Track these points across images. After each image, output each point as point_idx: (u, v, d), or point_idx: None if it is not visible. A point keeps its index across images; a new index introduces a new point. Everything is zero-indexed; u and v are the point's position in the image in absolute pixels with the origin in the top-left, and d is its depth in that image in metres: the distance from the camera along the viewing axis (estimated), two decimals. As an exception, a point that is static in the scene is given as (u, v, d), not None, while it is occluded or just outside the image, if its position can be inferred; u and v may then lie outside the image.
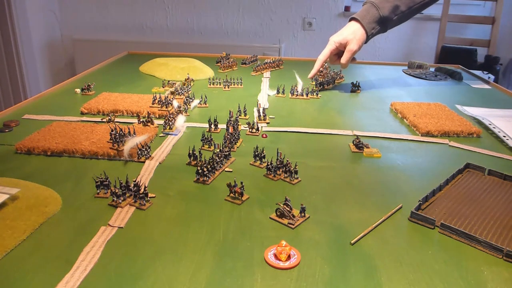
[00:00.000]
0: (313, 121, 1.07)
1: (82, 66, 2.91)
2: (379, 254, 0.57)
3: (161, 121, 1.01)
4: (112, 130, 0.85)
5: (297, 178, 0.76)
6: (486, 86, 1.48)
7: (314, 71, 1.34)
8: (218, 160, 0.78)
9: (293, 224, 0.62)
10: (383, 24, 1.27)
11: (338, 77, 1.46)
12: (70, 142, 0.85)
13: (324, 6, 3.17)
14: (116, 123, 0.98)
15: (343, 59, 1.29)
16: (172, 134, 0.95)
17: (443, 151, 0.92)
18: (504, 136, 0.99)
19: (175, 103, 1.09)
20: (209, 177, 0.75)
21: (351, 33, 1.26)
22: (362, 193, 0.73)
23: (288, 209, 0.63)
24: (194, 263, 0.54)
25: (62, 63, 3.24)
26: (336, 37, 1.29)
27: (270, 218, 0.64)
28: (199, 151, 0.81)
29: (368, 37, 1.27)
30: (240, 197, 0.69)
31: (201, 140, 0.89)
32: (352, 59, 1.31)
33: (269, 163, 0.77)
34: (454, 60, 2.19)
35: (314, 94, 1.28)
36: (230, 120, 0.96)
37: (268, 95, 1.27)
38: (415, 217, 0.65)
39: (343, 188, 0.74)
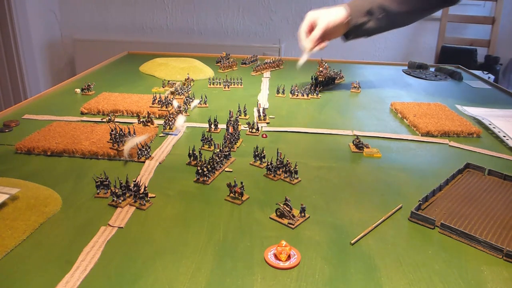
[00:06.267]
0: (313, 121, 1.07)
1: (82, 66, 2.91)
2: (379, 254, 0.57)
3: (161, 121, 1.01)
4: (112, 130, 0.84)
5: (297, 178, 0.76)
6: (486, 86, 1.48)
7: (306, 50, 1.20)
8: (218, 160, 0.78)
9: (293, 224, 0.62)
10: (371, 16, 1.18)
11: (338, 77, 1.46)
12: (70, 142, 0.85)
13: (324, 6, 3.17)
14: (116, 123, 0.98)
15: (309, 37, 1.17)
16: (172, 134, 0.95)
17: (443, 151, 0.92)
18: (504, 136, 0.99)
19: (175, 103, 1.09)
20: (209, 177, 0.75)
21: (326, 10, 1.18)
22: (362, 193, 0.73)
23: (288, 209, 0.63)
24: (194, 263, 0.54)
25: (62, 63, 3.24)
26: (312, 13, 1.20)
27: (270, 218, 0.64)
28: (199, 151, 0.81)
29: (354, 28, 1.18)
30: (240, 197, 0.69)
31: (201, 140, 0.89)
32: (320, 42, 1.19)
33: (269, 163, 0.77)
34: (454, 60, 2.19)
35: (314, 94, 1.28)
36: (230, 120, 0.96)
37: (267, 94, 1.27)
38: (415, 217, 0.65)
39: (343, 188, 0.74)
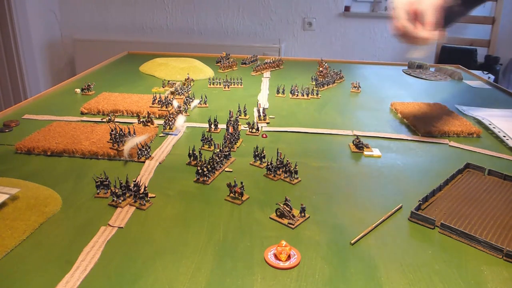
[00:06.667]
0: (313, 121, 1.07)
1: (82, 66, 2.91)
2: (379, 254, 0.57)
3: (161, 121, 1.00)
4: (112, 130, 0.84)
5: (297, 178, 0.76)
6: (486, 86, 1.48)
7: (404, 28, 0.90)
8: (218, 160, 0.78)
9: (293, 224, 0.62)
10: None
11: (338, 77, 1.46)
12: (70, 142, 0.85)
13: (324, 6, 3.17)
14: (116, 123, 0.98)
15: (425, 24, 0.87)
16: (172, 134, 0.95)
17: (443, 151, 0.92)
18: (504, 136, 0.99)
19: (175, 103, 1.09)
20: (209, 177, 0.75)
21: None
22: (362, 193, 0.73)
23: (288, 209, 0.63)
24: (194, 263, 0.54)
25: (62, 63, 3.24)
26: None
27: (270, 218, 0.64)
28: (199, 151, 0.81)
29: (447, 11, 0.90)
30: (240, 197, 0.69)
31: (201, 140, 0.89)
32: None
33: (269, 163, 0.77)
34: (454, 60, 2.19)
35: (314, 94, 1.28)
36: (230, 120, 0.96)
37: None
38: (415, 217, 0.65)
39: (343, 188, 0.74)
